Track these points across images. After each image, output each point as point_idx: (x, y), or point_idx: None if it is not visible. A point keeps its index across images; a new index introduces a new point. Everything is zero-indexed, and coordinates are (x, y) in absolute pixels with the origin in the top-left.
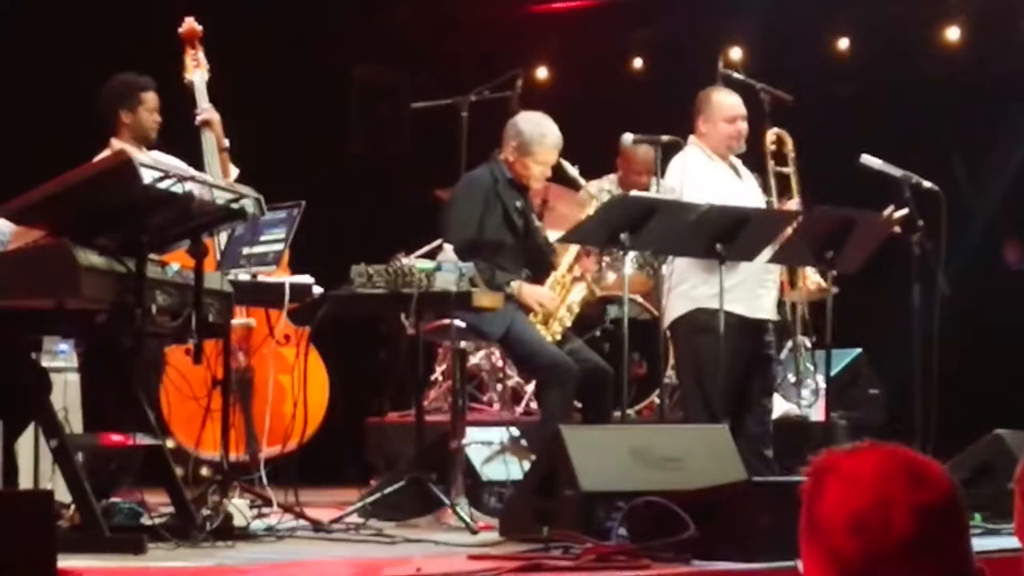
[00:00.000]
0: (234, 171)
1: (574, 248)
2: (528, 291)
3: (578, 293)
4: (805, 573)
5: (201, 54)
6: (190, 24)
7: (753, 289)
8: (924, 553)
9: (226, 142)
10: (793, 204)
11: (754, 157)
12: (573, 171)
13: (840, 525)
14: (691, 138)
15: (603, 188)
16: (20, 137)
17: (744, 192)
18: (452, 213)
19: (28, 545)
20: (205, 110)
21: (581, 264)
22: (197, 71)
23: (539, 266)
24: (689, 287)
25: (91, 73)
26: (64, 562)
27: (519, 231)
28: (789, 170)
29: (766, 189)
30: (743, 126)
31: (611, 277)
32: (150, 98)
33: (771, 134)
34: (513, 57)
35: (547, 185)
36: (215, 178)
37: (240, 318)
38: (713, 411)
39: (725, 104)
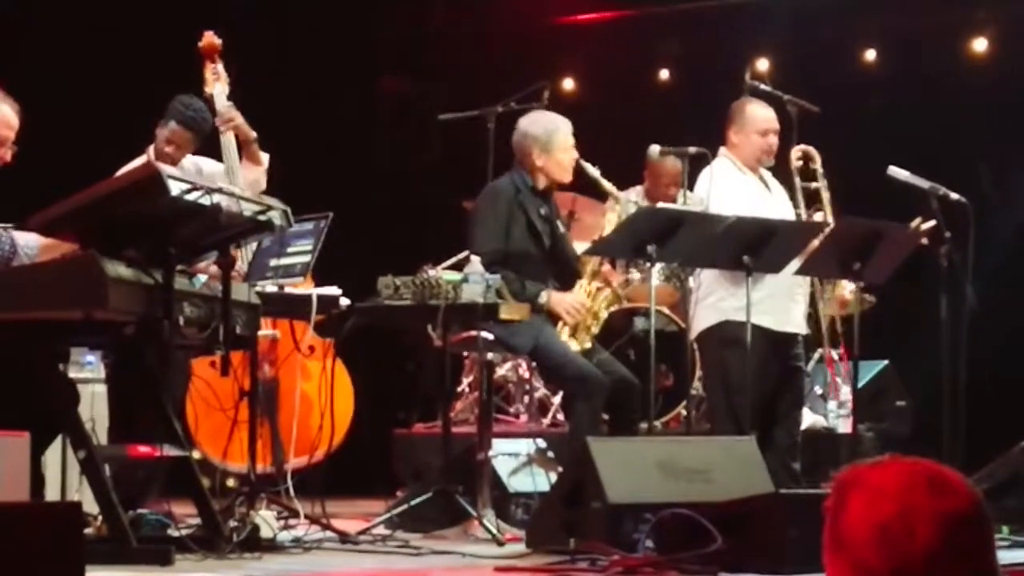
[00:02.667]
0: (264, 156)
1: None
2: (557, 299)
3: (603, 300)
4: None
5: (221, 67)
6: (209, 38)
7: (782, 302)
8: (949, 563)
9: (253, 134)
10: (821, 216)
11: (780, 171)
12: (594, 171)
13: (865, 537)
14: (721, 149)
15: (629, 199)
16: (48, 149)
17: (773, 204)
18: (477, 225)
19: (57, 557)
20: (223, 113)
21: (606, 274)
22: (217, 84)
23: (567, 275)
24: (716, 299)
25: (116, 85)
26: (92, 574)
27: (544, 240)
28: (818, 185)
29: (794, 203)
30: (774, 140)
31: (635, 275)
32: (172, 130)
33: (797, 150)
34: (540, 68)
35: (573, 196)
36: (238, 180)
37: (265, 329)
38: (740, 423)
39: (759, 117)
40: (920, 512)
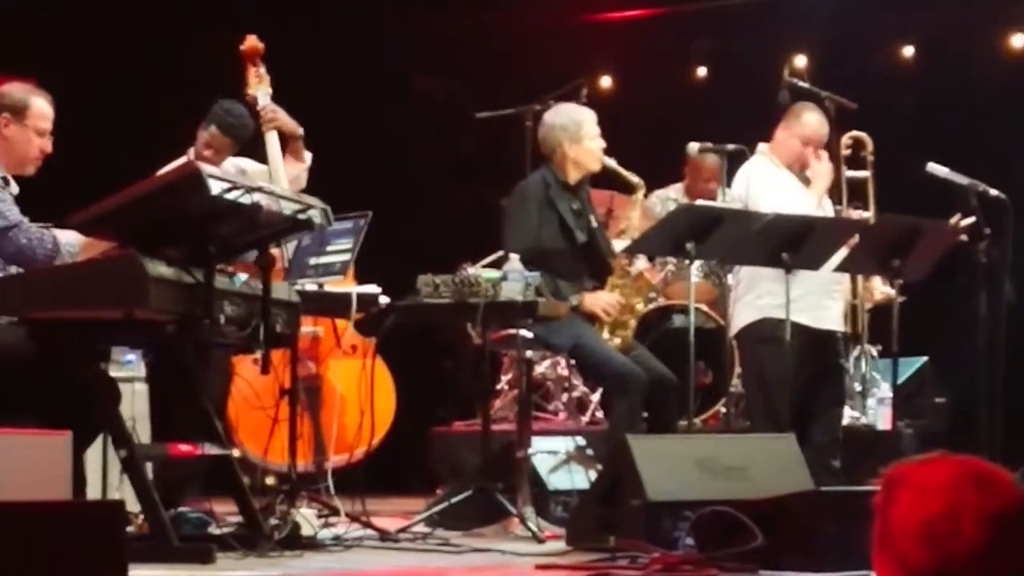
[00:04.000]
0: (307, 155)
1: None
2: (591, 300)
3: (636, 293)
4: None
5: (263, 69)
6: (252, 41)
7: (820, 300)
8: (994, 561)
9: (300, 130)
10: (858, 214)
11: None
12: (612, 162)
13: (911, 534)
14: (760, 146)
15: (669, 197)
16: (90, 149)
17: (812, 201)
18: (509, 223)
19: (100, 556)
20: (265, 112)
21: (645, 271)
22: (260, 87)
23: (603, 269)
24: (755, 297)
25: (158, 86)
26: (134, 572)
27: (577, 237)
28: (867, 174)
29: (837, 196)
30: (810, 155)
31: (671, 267)
32: (212, 134)
33: (847, 138)
34: (577, 66)
35: (611, 194)
36: (280, 176)
37: (308, 327)
38: (779, 420)
39: (809, 124)
40: (967, 510)
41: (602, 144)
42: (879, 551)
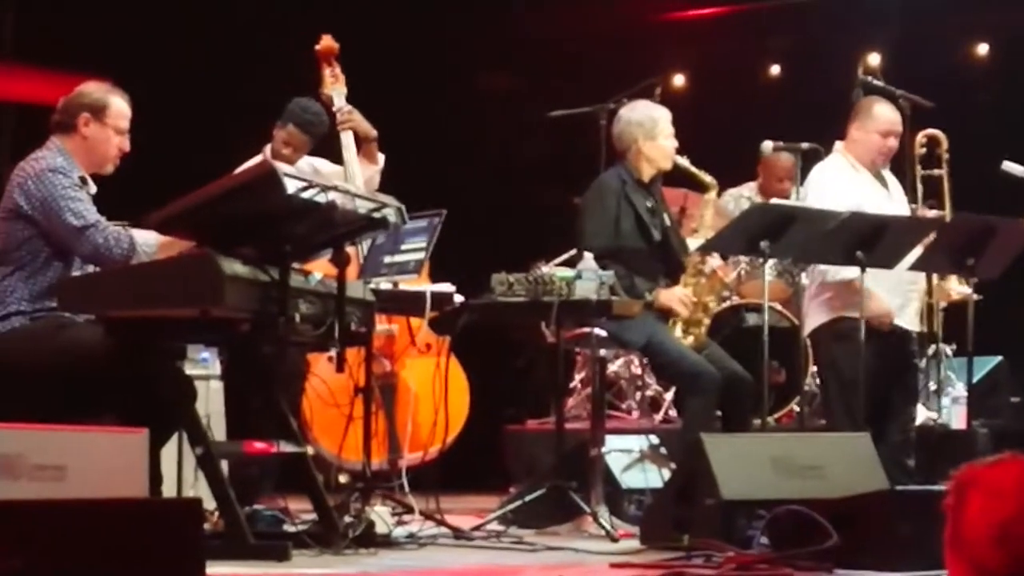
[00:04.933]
0: (380, 157)
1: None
2: (666, 295)
3: (710, 292)
4: None
5: (338, 69)
6: (327, 41)
7: (896, 299)
8: None
9: (373, 132)
10: (934, 213)
11: (897, 163)
12: (685, 161)
13: (984, 537)
14: (837, 144)
15: (743, 195)
16: (166, 148)
17: (888, 202)
18: (585, 219)
19: (178, 552)
20: (342, 112)
21: (719, 269)
22: (335, 87)
23: (677, 267)
24: (831, 295)
25: (234, 86)
26: (210, 569)
27: (652, 234)
28: (941, 172)
29: (912, 195)
30: (894, 144)
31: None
32: (290, 132)
33: (922, 136)
34: (651, 65)
35: (685, 192)
36: (355, 176)
37: (382, 325)
38: (855, 419)
39: (883, 117)
40: None
41: (675, 143)
42: (951, 553)
